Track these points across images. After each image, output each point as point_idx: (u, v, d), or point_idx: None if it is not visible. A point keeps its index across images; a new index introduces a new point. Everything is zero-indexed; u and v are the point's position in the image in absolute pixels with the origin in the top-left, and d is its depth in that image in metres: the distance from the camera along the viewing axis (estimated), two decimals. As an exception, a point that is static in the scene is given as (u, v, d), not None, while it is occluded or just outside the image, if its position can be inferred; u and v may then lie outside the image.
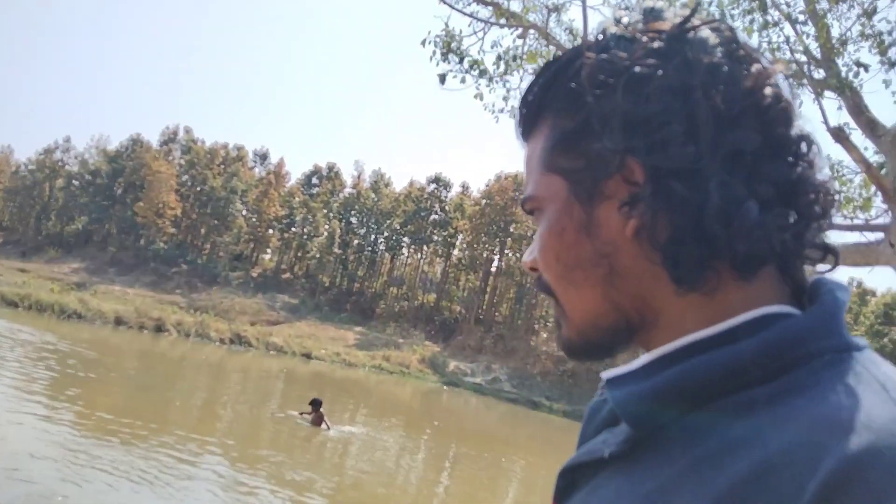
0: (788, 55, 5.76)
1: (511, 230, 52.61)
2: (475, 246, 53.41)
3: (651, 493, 0.47)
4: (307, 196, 61.91)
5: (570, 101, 0.54)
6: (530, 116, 0.59)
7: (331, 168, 65.30)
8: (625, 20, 0.55)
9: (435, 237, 57.90)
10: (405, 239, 59.63)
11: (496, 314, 53.14)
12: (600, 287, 0.54)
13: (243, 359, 25.59)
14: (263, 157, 69.84)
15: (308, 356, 32.19)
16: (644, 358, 0.54)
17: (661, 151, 0.49)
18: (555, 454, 19.64)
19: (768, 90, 0.50)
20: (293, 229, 60.47)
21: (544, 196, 0.57)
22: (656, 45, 0.51)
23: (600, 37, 0.55)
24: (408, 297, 57.03)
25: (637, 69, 0.51)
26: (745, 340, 0.47)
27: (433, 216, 58.31)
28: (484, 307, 53.21)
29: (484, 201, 53.43)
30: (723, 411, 0.46)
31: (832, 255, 0.53)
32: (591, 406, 0.65)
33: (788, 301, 0.51)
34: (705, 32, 0.52)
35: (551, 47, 7.76)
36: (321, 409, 13.25)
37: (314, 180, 65.12)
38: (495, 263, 54.81)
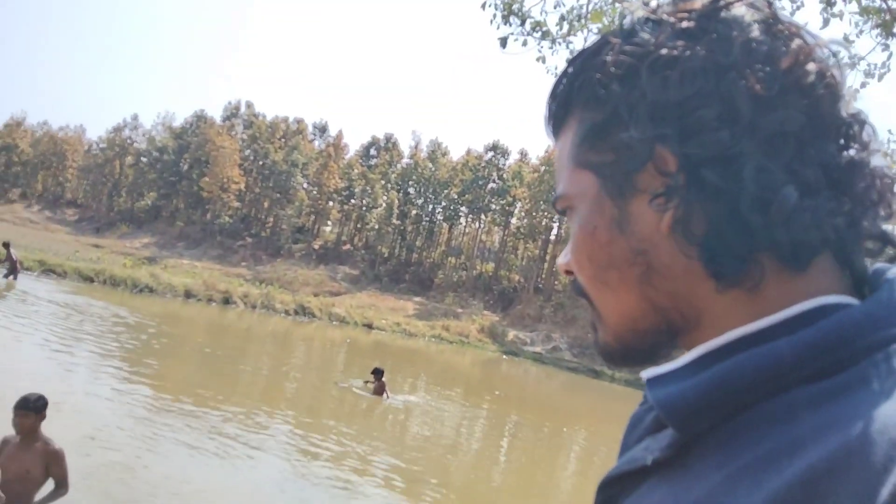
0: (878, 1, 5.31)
1: (570, 197, 51.75)
2: (534, 214, 52.80)
3: (698, 501, 0.43)
4: (365, 167, 62.43)
5: (597, 91, 0.52)
6: (559, 111, 0.57)
7: (388, 139, 65.55)
8: (653, 2, 0.52)
9: (493, 206, 57.55)
10: (463, 208, 59.51)
11: (555, 283, 52.67)
12: (637, 287, 0.51)
13: (308, 329, 26.23)
14: (322, 129, 70.67)
15: (369, 326, 32.71)
16: (687, 356, 0.50)
17: (693, 138, 0.46)
18: (617, 423, 19.46)
19: (811, 66, 0.47)
20: (352, 201, 61.19)
21: (575, 193, 0.55)
22: (685, 25, 0.49)
23: (627, 22, 0.52)
24: (466, 266, 57.12)
25: (664, 52, 0.48)
26: (800, 332, 0.44)
27: (491, 185, 57.89)
28: (543, 276, 52.81)
29: (543, 168, 52.59)
30: (778, 410, 0.43)
31: (892, 245, 0.49)
32: (634, 415, 0.62)
33: (848, 292, 0.47)
34: (740, 9, 0.49)
35: (618, 4, 7.45)
36: (383, 379, 13.44)
37: (372, 151, 65.57)
38: (554, 231, 54.12)
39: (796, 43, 0.48)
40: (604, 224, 0.52)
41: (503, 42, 7.53)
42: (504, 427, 14.87)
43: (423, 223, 60.61)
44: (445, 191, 59.13)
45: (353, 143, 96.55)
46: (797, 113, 0.46)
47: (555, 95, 0.57)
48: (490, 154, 58.85)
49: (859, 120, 0.49)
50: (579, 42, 7.88)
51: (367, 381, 13.72)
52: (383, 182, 60.35)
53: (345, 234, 62.63)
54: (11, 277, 17.50)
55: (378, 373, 13.45)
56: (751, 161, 0.45)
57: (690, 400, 0.46)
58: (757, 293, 0.47)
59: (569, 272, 0.58)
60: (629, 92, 0.49)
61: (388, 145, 65.17)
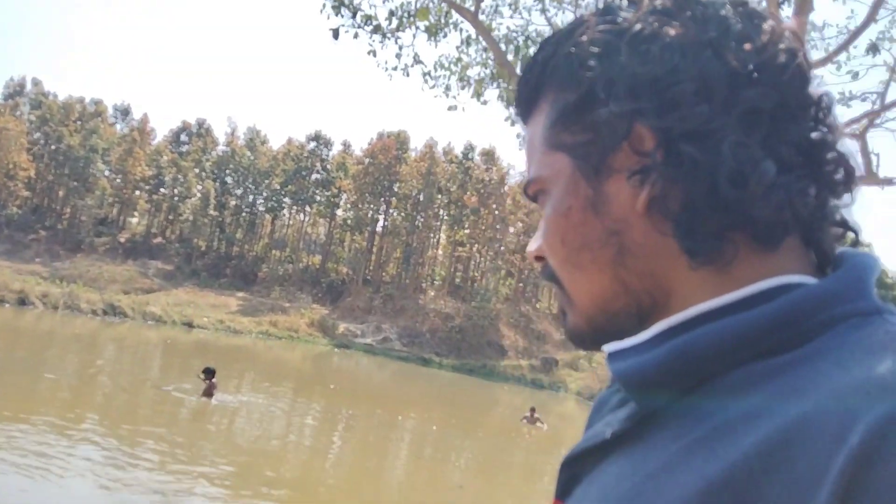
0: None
1: (395, 189, 52.40)
2: (360, 206, 52.77)
3: (655, 473, 0.43)
4: (176, 154, 58.32)
5: (571, 71, 0.51)
6: (529, 95, 0.56)
7: (201, 124, 61.70)
8: None
9: (318, 197, 56.56)
10: (286, 199, 57.83)
11: (384, 274, 53.18)
12: (609, 269, 0.51)
13: (119, 330, 24.12)
14: (125, 112, 64.71)
15: (189, 325, 30.88)
16: (650, 331, 0.50)
17: (672, 112, 0.46)
18: (446, 407, 20.19)
19: (783, 46, 0.47)
20: (162, 190, 56.93)
21: (548, 176, 0.54)
22: (661, 3, 0.49)
23: (601, 2, 0.52)
24: (291, 259, 55.70)
25: (643, 27, 0.48)
26: (759, 307, 0.44)
27: (315, 175, 56.83)
28: (371, 268, 53.04)
29: (367, 160, 52.68)
30: (735, 383, 0.43)
31: (854, 231, 0.50)
32: (600, 397, 0.62)
33: (813, 273, 0.48)
34: None
35: (443, 4, 7.70)
36: (214, 380, 12.86)
37: (183, 138, 61.31)
38: (381, 223, 54.56)
39: (768, 24, 0.48)
40: (578, 205, 0.52)
41: (335, 33, 7.49)
42: (337, 420, 14.81)
43: (244, 214, 58.04)
44: (266, 181, 57.10)
45: (162, 129, 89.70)
46: (771, 90, 0.46)
47: (526, 79, 0.56)
48: (313, 144, 57.74)
49: (827, 102, 0.49)
50: (408, 38, 8.07)
51: (204, 378, 13.04)
52: (197, 170, 56.84)
53: (155, 226, 58.13)
54: None
55: (209, 372, 12.87)
56: (729, 136, 0.45)
57: (649, 372, 0.46)
58: (727, 272, 0.47)
59: (539, 258, 0.57)
60: (607, 68, 0.49)
61: (200, 131, 61.30)
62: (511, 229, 50.77)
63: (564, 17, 7.89)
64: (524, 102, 0.57)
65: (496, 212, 49.81)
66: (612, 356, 0.51)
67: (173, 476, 7.68)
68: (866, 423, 0.34)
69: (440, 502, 9.34)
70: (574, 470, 0.54)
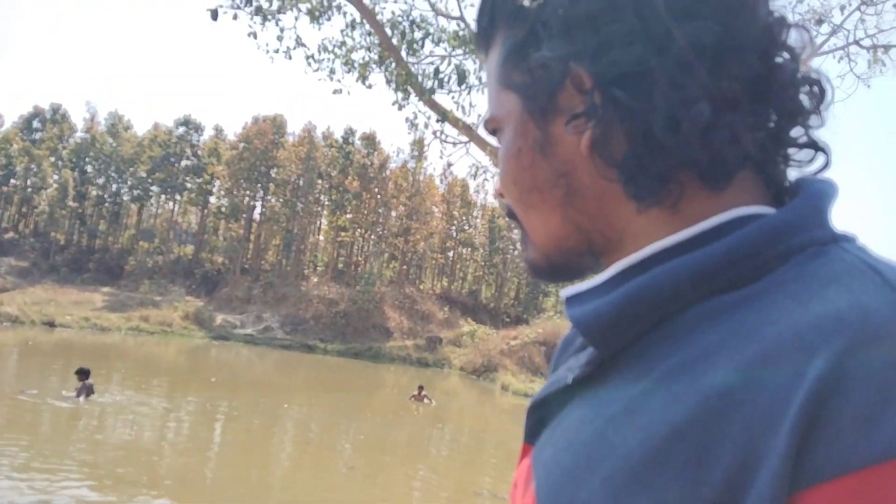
0: None
1: (273, 175, 50.90)
2: (235, 193, 50.78)
3: (615, 417, 0.42)
4: (28, 142, 53.53)
5: (517, 8, 0.50)
6: (484, 30, 0.55)
7: (56, 110, 56.94)
8: None
9: (188, 185, 53.90)
10: (153, 188, 54.66)
11: (263, 262, 51.66)
12: (559, 209, 0.51)
13: (-35, 335, 22.01)
14: (-36, 96, 58.53)
15: (51, 324, 28.69)
16: (605, 273, 0.49)
17: (605, 55, 0.45)
18: (332, 392, 20.14)
19: None
20: (13, 181, 52.16)
21: (501, 115, 0.53)
22: None
23: None
24: (161, 250, 52.80)
25: None
26: (715, 242, 0.43)
27: (185, 162, 54.06)
28: (249, 256, 51.35)
29: (241, 145, 50.74)
30: (693, 320, 0.42)
31: (823, 153, 0.48)
32: (565, 338, 0.62)
33: (770, 204, 0.47)
34: None
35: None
36: (89, 380, 12.23)
37: (36, 124, 56.34)
38: (258, 210, 52.84)
39: None
40: (527, 147, 0.51)
41: (214, 14, 7.25)
42: (218, 413, 14.40)
43: (107, 205, 54.34)
44: (131, 169, 53.69)
45: (10, 115, 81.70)
46: (713, 24, 0.43)
47: (481, 13, 0.55)
48: (182, 129, 54.84)
49: (785, 25, 0.46)
50: (289, 20, 7.92)
51: (83, 381, 12.32)
52: (53, 159, 52.52)
53: (6, 220, 53.20)
54: None
55: (83, 373, 12.18)
56: (663, 77, 0.43)
57: (605, 315, 0.45)
58: (677, 210, 0.46)
59: (501, 194, 0.57)
60: (543, 7, 0.48)
61: (55, 117, 56.57)
62: (393, 213, 50.88)
63: (448, 1, 8.02)
64: (480, 37, 0.56)
65: (378, 196, 49.69)
66: (570, 300, 0.50)
67: (42, 484, 7.24)
68: (824, 359, 0.34)
69: (329, 486, 9.38)
70: (541, 414, 0.54)
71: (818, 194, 0.45)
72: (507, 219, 0.52)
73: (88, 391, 12.29)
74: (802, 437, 0.33)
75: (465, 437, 15.87)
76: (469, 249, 55.78)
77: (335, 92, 7.91)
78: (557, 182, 0.50)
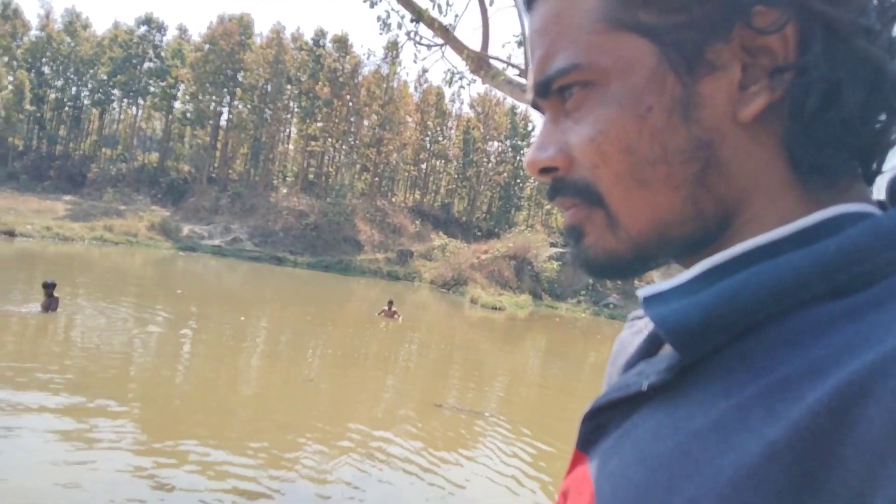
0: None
1: (240, 79, 49.04)
2: (200, 97, 49.00)
3: (702, 433, 0.37)
4: (-22, 41, 50.60)
5: None
6: None
7: (6, 6, 53.54)
8: None
9: (152, 88, 51.84)
10: (115, 91, 52.54)
11: (230, 172, 50.59)
12: (686, 188, 0.42)
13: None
14: None
15: (11, 234, 28.02)
16: (690, 271, 0.43)
17: None
18: (301, 305, 20.23)
19: None
20: (-36, 82, 49.68)
21: (608, 65, 0.42)
22: None
23: None
24: (125, 158, 51.36)
25: None
26: (819, 243, 0.38)
27: (147, 64, 51.77)
28: (216, 165, 50.20)
29: (207, 46, 48.52)
30: (794, 330, 0.37)
31: None
32: (620, 339, 0.57)
33: (870, 202, 0.42)
34: None
35: None
36: (55, 294, 12.08)
37: (-15, 21, 53.15)
38: (225, 116, 51.23)
39: None
40: (662, 106, 0.41)
41: None
42: (186, 325, 14.40)
43: (67, 109, 52.26)
44: (91, 71, 51.32)
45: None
46: None
47: None
48: (143, 29, 52.17)
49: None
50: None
51: (49, 296, 12.18)
52: (6, 59, 49.86)
53: (-41, 123, 51.03)
54: None
55: (49, 286, 11.99)
56: (885, 38, 0.38)
57: (694, 318, 0.40)
58: (814, 198, 0.41)
59: (548, 169, 0.46)
60: None
61: (7, 13, 53.28)
62: (366, 122, 49.71)
63: None
64: None
65: (350, 103, 48.35)
66: (649, 300, 0.44)
67: (9, 402, 7.19)
68: None
69: (291, 397, 9.53)
70: (600, 420, 0.48)
71: None
72: (550, 202, 0.46)
73: (55, 305, 12.17)
74: None
75: (431, 351, 16.17)
76: (442, 161, 55.19)
77: None
78: (695, 154, 0.41)
